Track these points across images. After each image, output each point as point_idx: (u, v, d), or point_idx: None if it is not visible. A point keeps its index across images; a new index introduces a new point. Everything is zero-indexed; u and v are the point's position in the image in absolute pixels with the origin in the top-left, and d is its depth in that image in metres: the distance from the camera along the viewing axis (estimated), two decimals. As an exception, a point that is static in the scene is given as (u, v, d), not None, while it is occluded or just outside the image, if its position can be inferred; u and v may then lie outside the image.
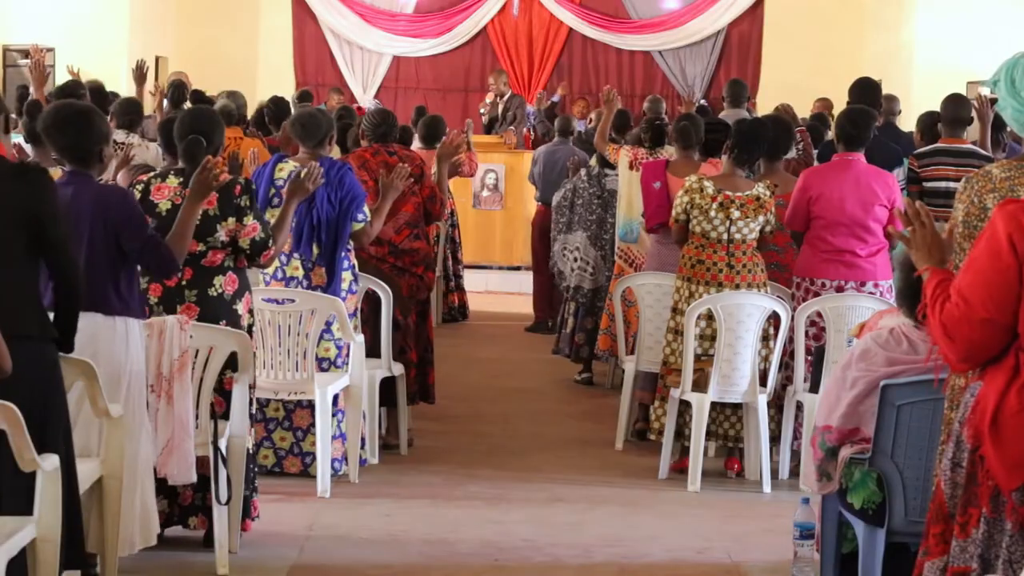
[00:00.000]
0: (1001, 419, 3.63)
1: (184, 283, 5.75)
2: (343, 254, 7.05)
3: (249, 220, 5.77)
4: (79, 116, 5.19)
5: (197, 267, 5.76)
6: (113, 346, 5.08)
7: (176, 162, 6.51)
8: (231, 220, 5.74)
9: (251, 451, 5.86)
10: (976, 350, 3.67)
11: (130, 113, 9.87)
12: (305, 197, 6.52)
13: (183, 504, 5.85)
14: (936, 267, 3.89)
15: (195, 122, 5.90)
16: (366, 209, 7.10)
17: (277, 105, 11.22)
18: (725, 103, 11.51)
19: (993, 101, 7.61)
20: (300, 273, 7.00)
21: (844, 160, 7.47)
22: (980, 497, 3.69)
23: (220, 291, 5.79)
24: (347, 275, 7.09)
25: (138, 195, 5.71)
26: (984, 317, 3.62)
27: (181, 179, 5.77)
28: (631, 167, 8.97)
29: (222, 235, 5.74)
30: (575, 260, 9.78)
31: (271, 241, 5.87)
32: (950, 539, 3.78)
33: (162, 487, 5.76)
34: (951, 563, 3.75)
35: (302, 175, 6.43)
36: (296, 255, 6.99)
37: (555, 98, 16.52)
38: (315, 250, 7.00)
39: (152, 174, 5.87)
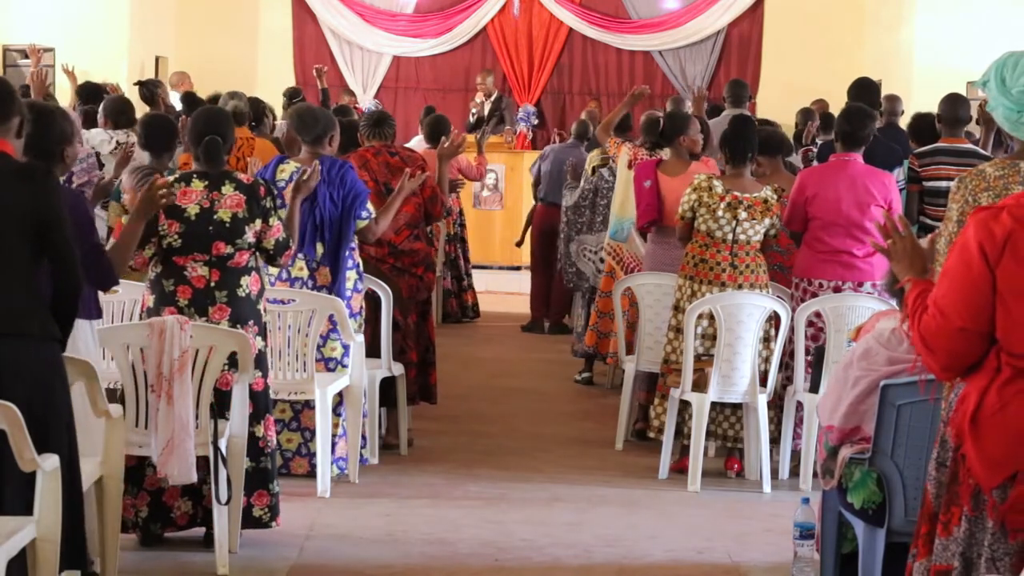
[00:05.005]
0: (981, 417, 3.63)
1: (213, 284, 5.77)
2: (347, 253, 7.06)
3: (274, 221, 5.85)
4: (41, 115, 5.16)
5: (224, 268, 5.79)
6: None
7: (158, 159, 6.57)
8: (258, 222, 5.80)
9: (275, 448, 5.89)
10: (955, 359, 3.66)
11: (123, 112, 9.79)
12: (308, 195, 6.57)
13: (207, 506, 5.84)
14: (917, 278, 3.87)
15: (211, 123, 5.94)
16: (369, 206, 7.11)
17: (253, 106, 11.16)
18: (726, 103, 11.52)
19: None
20: (305, 273, 7.01)
21: (841, 160, 7.48)
22: (961, 496, 3.69)
23: (247, 292, 5.83)
24: (352, 274, 7.11)
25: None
26: (959, 327, 3.61)
27: (207, 182, 5.80)
28: (630, 166, 8.96)
29: (249, 236, 5.78)
30: (601, 261, 9.71)
31: (291, 241, 5.96)
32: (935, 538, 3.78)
33: (188, 488, 5.77)
34: (934, 562, 3.75)
35: (304, 174, 6.47)
36: (300, 255, 6.99)
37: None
38: (319, 249, 7.01)
39: (174, 178, 5.83)
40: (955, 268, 3.64)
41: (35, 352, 4.50)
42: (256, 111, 10.65)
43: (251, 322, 5.79)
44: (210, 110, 6.48)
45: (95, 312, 5.38)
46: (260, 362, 5.87)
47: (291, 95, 12.87)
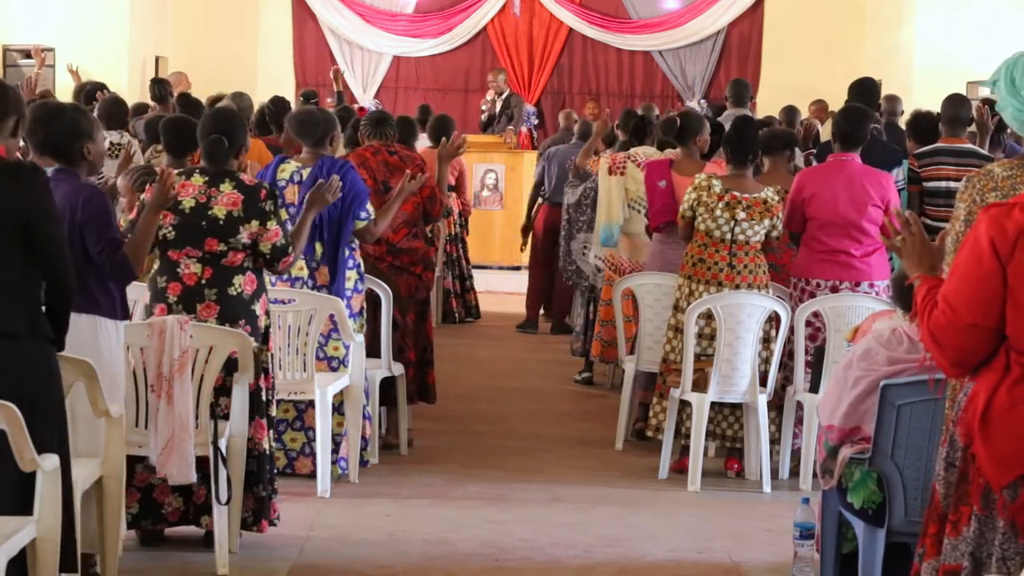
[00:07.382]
0: (991, 416, 3.63)
1: (204, 282, 5.77)
2: (347, 253, 7.06)
3: (272, 225, 5.80)
4: (56, 112, 5.12)
5: (217, 266, 5.78)
6: (80, 343, 4.94)
7: (175, 159, 6.55)
8: (254, 223, 5.77)
9: (269, 451, 5.86)
10: (964, 355, 3.66)
11: (115, 114, 9.70)
12: (323, 207, 6.51)
13: (197, 503, 5.84)
14: (927, 274, 3.88)
15: (217, 122, 5.96)
16: (369, 207, 7.11)
17: (277, 105, 11.21)
18: (728, 103, 11.53)
19: (993, 103, 7.65)
20: (304, 273, 7.01)
21: (838, 160, 7.49)
22: (971, 495, 3.69)
23: (239, 291, 5.81)
24: (352, 274, 7.11)
25: None
26: (969, 323, 3.61)
27: (207, 178, 5.81)
28: (610, 172, 8.95)
29: (244, 237, 5.77)
30: (599, 259, 9.72)
31: (291, 248, 5.90)
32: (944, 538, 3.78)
33: (178, 485, 5.77)
34: (943, 561, 3.75)
35: (321, 187, 6.40)
36: (300, 255, 6.99)
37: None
38: (318, 249, 7.01)
39: (177, 172, 5.83)
40: (965, 264, 3.64)
41: (21, 351, 4.47)
42: (283, 112, 10.65)
43: (242, 321, 5.77)
44: (221, 110, 6.54)
45: (120, 313, 5.30)
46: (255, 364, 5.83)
47: (307, 97, 12.90)
